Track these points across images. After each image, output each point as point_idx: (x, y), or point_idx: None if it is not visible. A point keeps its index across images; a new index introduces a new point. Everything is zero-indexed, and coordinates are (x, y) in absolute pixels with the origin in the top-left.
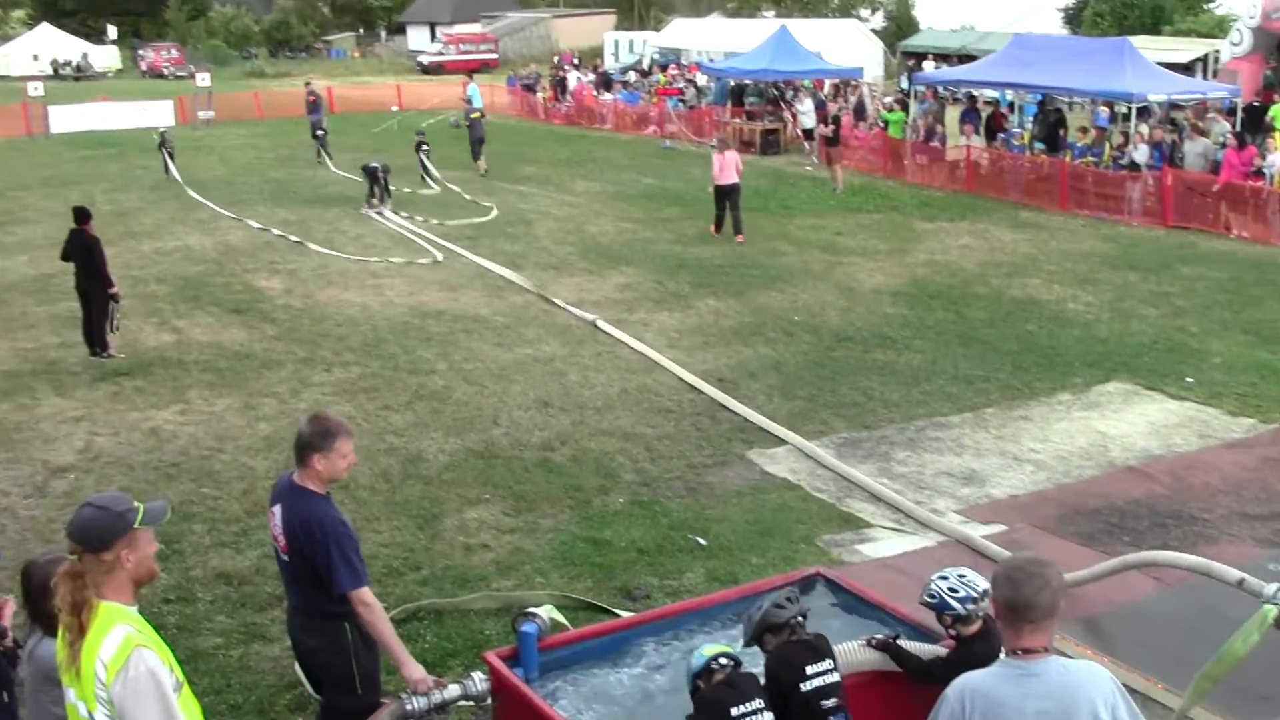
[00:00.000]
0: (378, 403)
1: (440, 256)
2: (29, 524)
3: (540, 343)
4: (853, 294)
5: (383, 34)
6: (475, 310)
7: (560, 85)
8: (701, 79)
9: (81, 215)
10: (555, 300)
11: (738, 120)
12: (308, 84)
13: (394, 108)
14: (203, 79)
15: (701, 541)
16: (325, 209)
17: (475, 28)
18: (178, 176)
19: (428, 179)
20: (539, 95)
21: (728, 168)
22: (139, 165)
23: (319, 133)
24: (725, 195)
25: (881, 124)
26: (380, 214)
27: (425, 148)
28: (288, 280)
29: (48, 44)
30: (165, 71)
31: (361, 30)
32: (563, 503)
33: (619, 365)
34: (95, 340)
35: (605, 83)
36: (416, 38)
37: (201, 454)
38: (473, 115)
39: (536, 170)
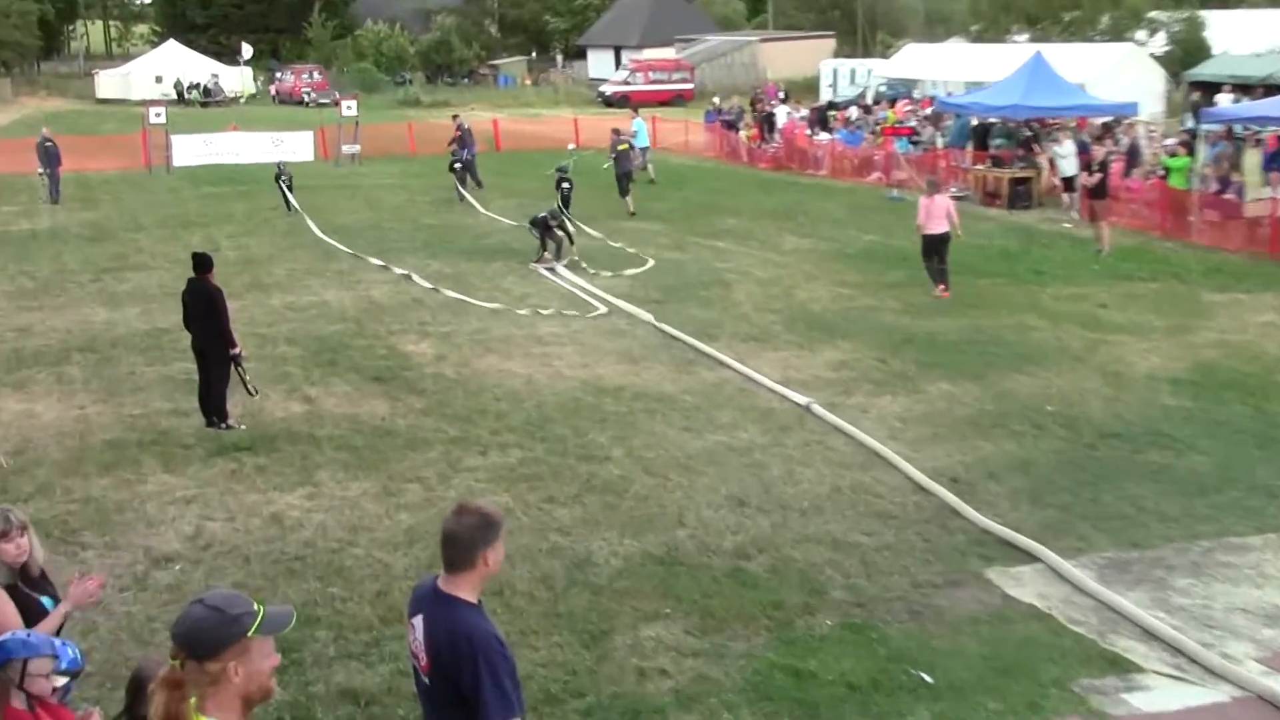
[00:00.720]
0: (541, 494)
1: (604, 309)
2: (124, 622)
3: (736, 428)
4: (1120, 380)
5: (559, 59)
6: (660, 387)
7: (767, 122)
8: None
9: (202, 263)
10: (756, 377)
11: (980, 167)
12: (455, 116)
13: (571, 146)
14: (348, 107)
15: (927, 679)
16: (486, 262)
17: (668, 53)
18: (298, 207)
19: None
20: (742, 134)
21: (936, 214)
22: (269, 206)
23: (456, 165)
24: (933, 248)
25: (1160, 172)
26: (551, 270)
27: (566, 185)
28: (440, 345)
29: (173, 64)
30: (306, 98)
31: (534, 54)
32: (758, 623)
33: (830, 458)
34: (213, 408)
35: (821, 120)
36: (599, 64)
37: (330, 547)
38: (620, 147)
39: (737, 223)
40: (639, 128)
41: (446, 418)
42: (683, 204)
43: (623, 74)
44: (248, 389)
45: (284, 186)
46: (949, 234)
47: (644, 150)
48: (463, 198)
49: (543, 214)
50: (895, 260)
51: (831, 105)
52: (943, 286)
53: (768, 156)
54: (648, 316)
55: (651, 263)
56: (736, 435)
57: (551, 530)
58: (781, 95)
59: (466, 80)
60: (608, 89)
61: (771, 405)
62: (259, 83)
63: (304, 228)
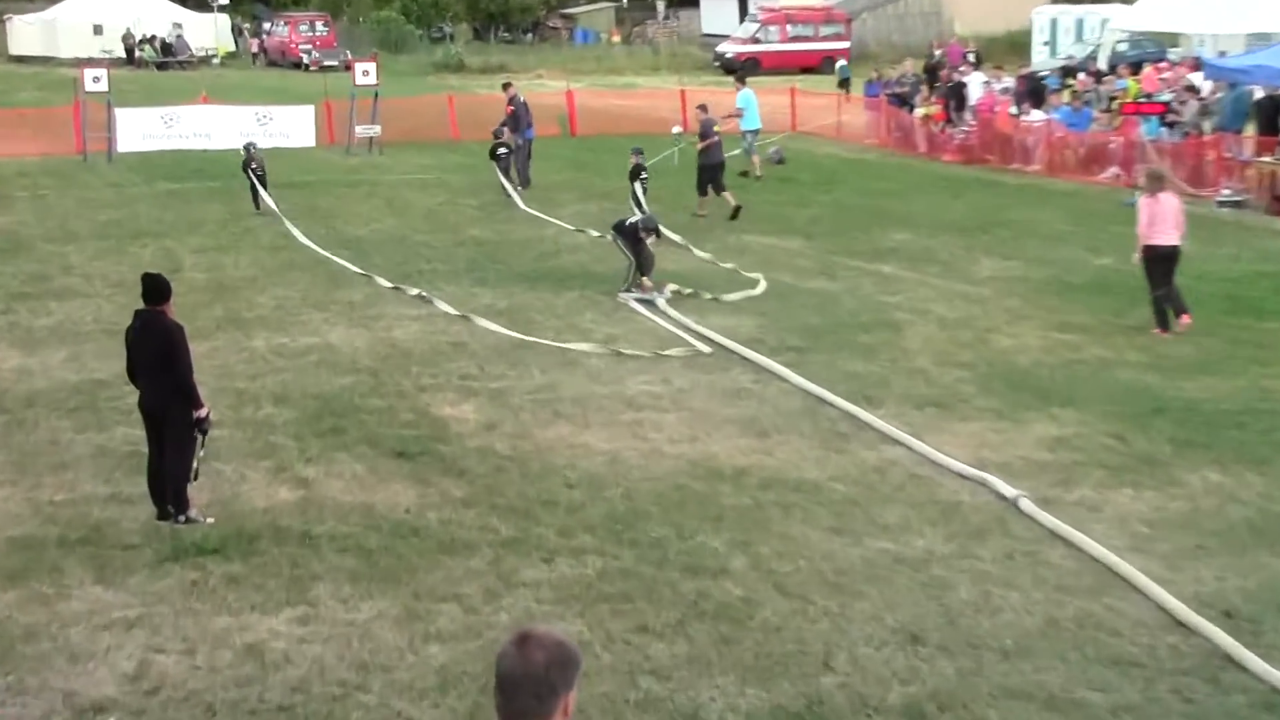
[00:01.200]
0: (629, 621)
1: (712, 353)
2: None
3: (908, 532)
4: None
5: (660, 7)
6: (798, 471)
7: (954, 96)
8: (1204, 84)
9: (156, 289)
10: (938, 458)
11: (1268, 159)
12: (507, 86)
13: (676, 129)
14: (365, 73)
15: None
16: (555, 290)
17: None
18: (273, 206)
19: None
20: (918, 113)
21: (1162, 220)
22: (253, 209)
23: (501, 151)
24: (1160, 265)
25: None
26: (648, 303)
27: (644, 175)
28: (489, 407)
29: (119, 9)
30: (304, 58)
31: (625, 1)
32: None
33: (1045, 577)
34: (168, 494)
35: (1033, 93)
36: (716, 13)
37: (330, 693)
38: (714, 129)
39: (910, 238)
40: (747, 103)
41: (497, 511)
42: (832, 211)
43: (750, 28)
44: (194, 475)
45: (253, 176)
46: (1179, 247)
47: (753, 134)
48: (510, 197)
49: (633, 219)
50: (1139, 294)
51: (1052, 73)
52: (1184, 316)
53: (955, 145)
54: (783, 370)
55: (762, 284)
56: (908, 542)
57: (643, 672)
58: (972, 58)
59: (530, 36)
60: (728, 49)
61: (959, 499)
62: (240, 37)
63: (303, 242)
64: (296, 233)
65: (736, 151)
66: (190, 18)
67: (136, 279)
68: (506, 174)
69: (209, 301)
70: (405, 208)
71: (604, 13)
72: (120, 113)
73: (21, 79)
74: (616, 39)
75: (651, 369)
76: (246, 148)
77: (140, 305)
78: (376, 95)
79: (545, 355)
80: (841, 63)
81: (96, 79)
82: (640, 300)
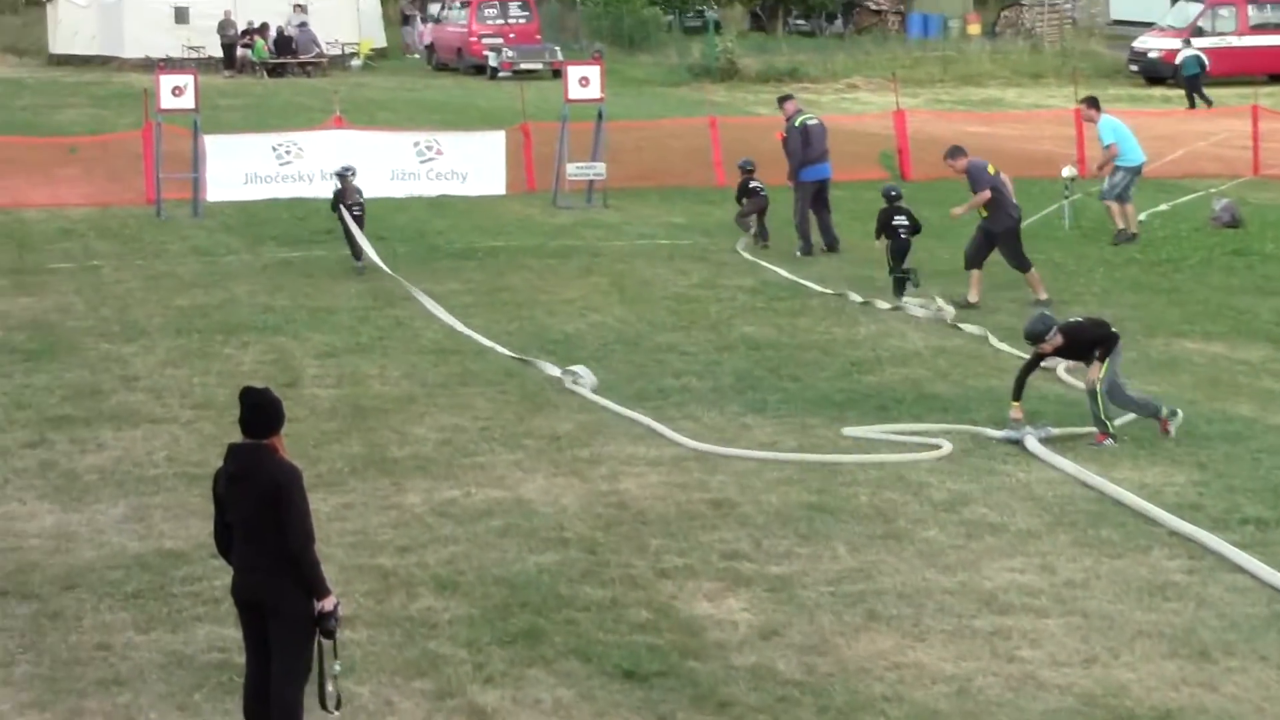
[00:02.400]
0: None
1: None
2: None
3: None
4: None
5: None
6: (1260, 715)
7: None
8: None
9: (261, 413)
10: None
11: None
12: (786, 100)
13: (1067, 170)
14: (583, 82)
15: None
16: (870, 422)
17: None
18: (376, 259)
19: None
20: None
21: None
22: (354, 261)
23: (754, 189)
24: None
25: None
26: (1015, 440)
27: (904, 226)
28: (768, 603)
29: None
30: (492, 58)
31: None
32: None
33: None
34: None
35: None
36: None
37: None
38: (1070, 179)
39: None
40: (1117, 133)
41: None
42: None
43: (1187, 11)
44: (323, 701)
45: (347, 215)
46: None
47: (1133, 173)
48: (759, 240)
49: (1043, 314)
50: None
51: None
52: None
53: None
54: (1236, 554)
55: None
56: None
57: None
58: None
59: (839, 25)
60: (1151, 45)
61: None
62: (398, 27)
63: (484, 344)
64: (434, 308)
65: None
66: (321, 1)
67: (231, 397)
68: (745, 220)
69: (341, 432)
70: (642, 290)
71: None
72: (213, 142)
73: (68, 90)
74: (975, 29)
75: (1022, 547)
76: (341, 174)
77: (237, 437)
78: (601, 117)
79: (855, 524)
80: None
81: (179, 90)
82: (1008, 438)
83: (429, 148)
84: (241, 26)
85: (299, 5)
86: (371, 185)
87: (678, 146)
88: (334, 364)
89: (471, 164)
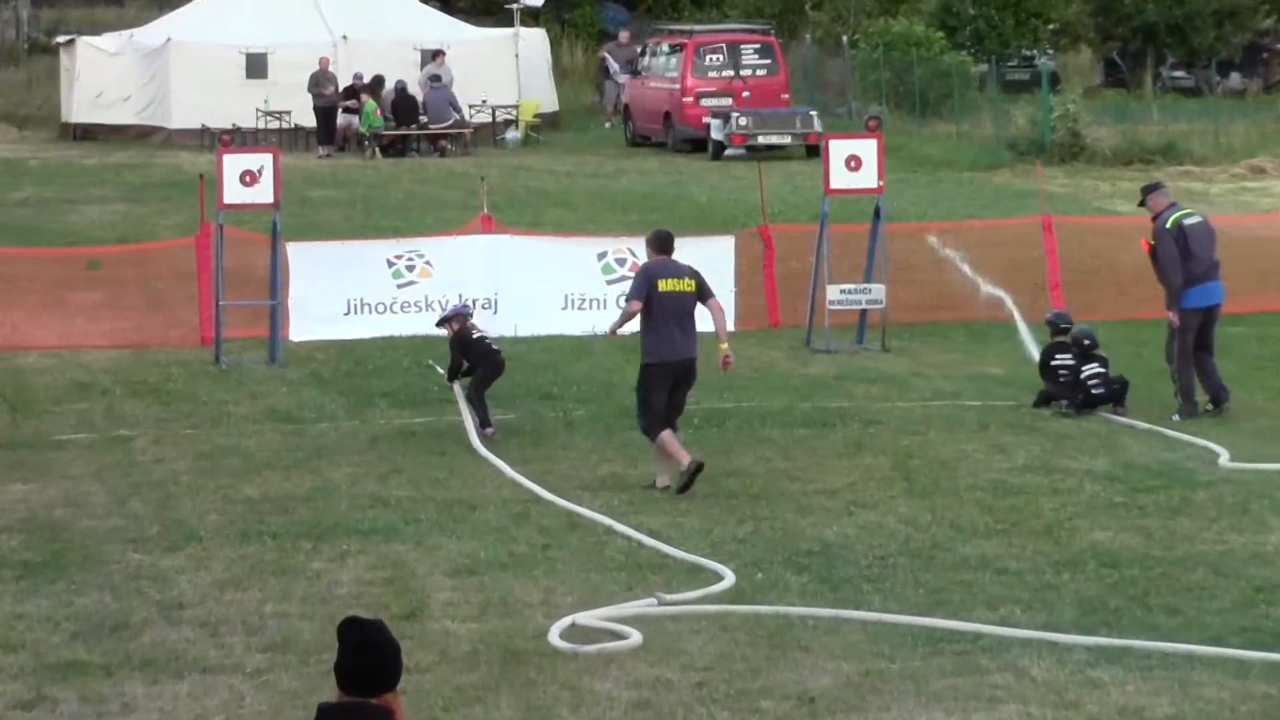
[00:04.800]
0: None
1: None
2: None
3: None
4: None
5: None
6: None
7: None
8: None
9: (368, 663)
10: None
11: None
12: (1151, 191)
13: None
14: (853, 164)
15: None
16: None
17: None
18: (469, 423)
19: None
20: None
21: None
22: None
23: (1073, 338)
24: None
25: None
26: None
27: None
28: None
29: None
30: (714, 128)
31: None
32: None
33: None
34: None
35: None
36: None
37: None
38: None
39: None
40: None
41: None
42: None
43: None
44: None
45: (453, 378)
46: None
47: None
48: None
49: None
50: None
51: None
52: None
53: None
54: None
55: None
56: None
57: None
58: None
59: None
60: None
61: None
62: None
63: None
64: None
65: None
66: (465, 43)
67: (322, 634)
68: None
69: (486, 688)
70: (939, 477)
71: None
72: (300, 253)
73: (88, 176)
74: None
75: None
76: (453, 317)
77: (329, 693)
78: (879, 216)
79: None
80: None
81: (250, 177)
82: None
83: (620, 261)
84: (344, 82)
85: (432, 50)
86: (534, 317)
87: (994, 260)
88: (475, 585)
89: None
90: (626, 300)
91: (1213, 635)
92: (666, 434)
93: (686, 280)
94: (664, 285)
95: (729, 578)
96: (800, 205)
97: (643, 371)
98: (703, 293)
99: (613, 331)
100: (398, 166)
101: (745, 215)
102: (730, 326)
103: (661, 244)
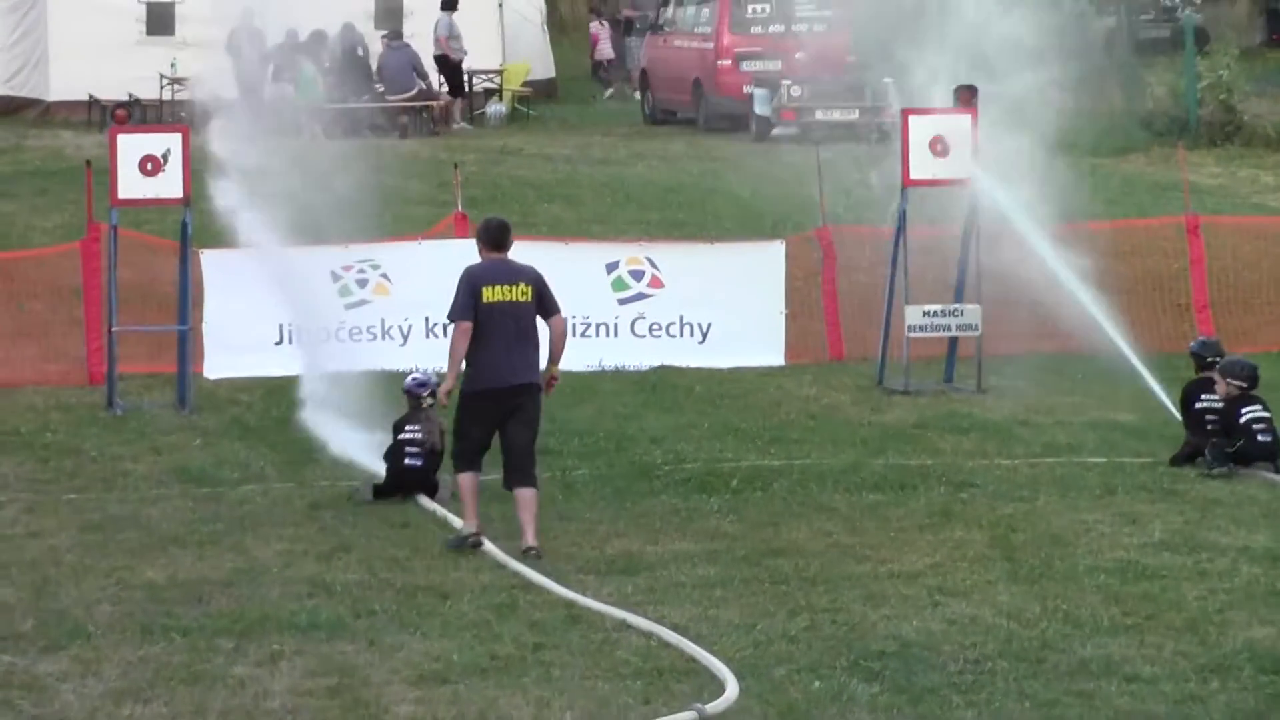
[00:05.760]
0: None
1: None
2: None
3: None
4: None
5: None
6: None
7: None
8: None
9: None
10: None
11: None
12: None
13: None
14: (940, 143)
15: None
16: None
17: None
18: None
19: None
20: None
21: None
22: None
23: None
24: None
25: None
26: None
27: None
28: None
29: None
30: (758, 100)
31: None
32: None
33: None
34: None
35: None
36: None
37: None
38: None
39: None
40: None
41: None
42: None
43: None
44: None
45: (412, 461)
46: None
47: None
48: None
49: None
50: None
51: None
52: None
53: None
54: None
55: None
56: None
57: None
58: None
59: None
60: None
61: None
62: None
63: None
64: (666, 633)
65: None
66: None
67: None
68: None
69: None
70: (1052, 555)
71: None
72: (217, 263)
73: None
74: None
75: None
76: (413, 383)
77: None
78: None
79: None
80: None
81: (152, 163)
82: None
83: (636, 275)
84: (274, 39)
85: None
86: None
87: (1123, 273)
88: (447, 697)
89: (719, 306)
90: (449, 320)
91: None
92: (468, 479)
93: (522, 287)
94: (491, 294)
95: (731, 687)
96: (870, 201)
97: (460, 400)
98: (545, 305)
99: (444, 394)
100: (345, 150)
101: (799, 214)
102: (779, 360)
103: (493, 238)
